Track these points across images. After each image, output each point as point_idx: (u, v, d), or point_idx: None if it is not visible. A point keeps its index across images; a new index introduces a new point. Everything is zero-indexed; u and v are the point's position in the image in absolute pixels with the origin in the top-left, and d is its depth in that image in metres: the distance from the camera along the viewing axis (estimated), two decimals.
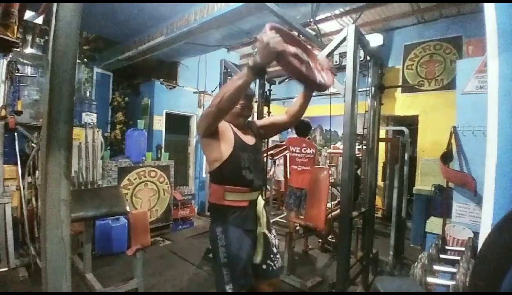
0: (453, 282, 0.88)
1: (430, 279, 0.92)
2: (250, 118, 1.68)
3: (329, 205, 2.72)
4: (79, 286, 2.43)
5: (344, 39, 2.10)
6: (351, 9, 4.41)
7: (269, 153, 3.93)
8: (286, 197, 3.68)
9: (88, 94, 4.23)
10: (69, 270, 0.72)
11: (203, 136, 1.45)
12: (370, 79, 2.58)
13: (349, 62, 2.04)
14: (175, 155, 4.76)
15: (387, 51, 5.30)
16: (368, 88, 2.60)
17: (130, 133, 3.97)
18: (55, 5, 0.68)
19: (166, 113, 4.94)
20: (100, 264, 2.94)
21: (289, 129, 5.22)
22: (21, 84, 3.04)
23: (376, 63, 2.61)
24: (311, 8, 2.71)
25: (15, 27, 1.64)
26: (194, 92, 5.24)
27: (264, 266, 1.52)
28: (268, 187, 5.08)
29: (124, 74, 4.84)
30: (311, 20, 2.84)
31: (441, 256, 1.16)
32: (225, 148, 1.43)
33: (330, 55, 2.38)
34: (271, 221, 1.73)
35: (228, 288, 1.39)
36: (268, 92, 3.60)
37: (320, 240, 3.65)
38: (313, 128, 5.77)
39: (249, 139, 1.55)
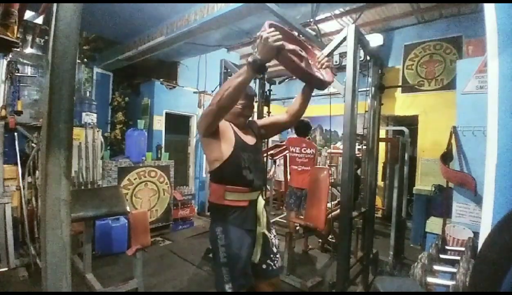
0: (453, 282, 0.88)
1: (430, 279, 0.92)
2: (250, 118, 1.68)
3: (329, 205, 2.72)
4: (79, 286, 2.43)
5: (344, 39, 2.10)
6: (351, 9, 4.41)
7: (269, 153, 3.93)
8: (286, 197, 3.69)
9: (88, 94, 4.22)
10: (69, 270, 0.72)
11: (203, 136, 1.45)
12: (370, 79, 2.58)
13: (349, 62, 2.04)
14: (175, 155, 4.76)
15: (387, 51, 5.30)
16: (368, 88, 2.60)
17: (130, 133, 3.97)
18: (55, 5, 0.68)
19: (166, 113, 4.94)
20: (100, 264, 2.94)
21: (289, 129, 5.23)
22: (21, 84, 3.04)
23: (376, 63, 2.61)
24: (311, 8, 2.71)
25: (15, 27, 1.64)
26: (194, 92, 5.24)
27: (264, 266, 1.52)
28: (268, 187, 5.08)
29: (124, 74, 4.84)
30: (311, 20, 2.84)
31: (441, 256, 1.16)
32: (226, 148, 1.43)
33: (330, 55, 2.38)
34: (271, 221, 1.73)
35: (228, 287, 1.39)
36: (268, 92, 3.60)
37: (320, 240, 3.65)
38: (313, 128, 5.77)
39: (250, 139, 1.55)
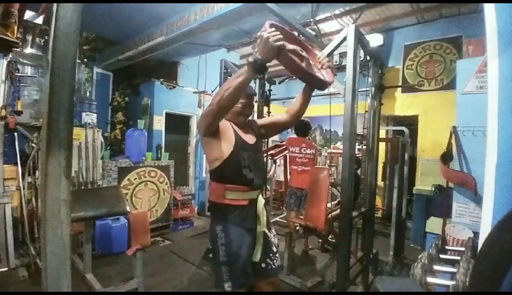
0: (453, 282, 0.88)
1: (430, 279, 0.92)
2: (250, 118, 1.68)
3: (329, 205, 2.72)
4: (79, 286, 2.42)
5: (344, 39, 2.10)
6: (351, 9, 4.41)
7: (269, 153, 3.93)
8: (286, 197, 3.69)
9: (88, 94, 4.23)
10: (69, 270, 0.72)
11: (203, 135, 1.45)
12: (370, 79, 2.58)
13: (349, 62, 2.04)
14: (175, 155, 4.76)
15: (387, 51, 5.30)
16: (368, 88, 2.60)
17: (130, 133, 3.97)
18: (55, 5, 0.68)
19: (166, 113, 4.94)
20: (100, 264, 2.94)
21: (289, 129, 5.22)
22: (21, 84, 3.04)
23: (376, 63, 2.61)
24: (311, 8, 2.71)
25: (15, 27, 1.64)
26: (194, 92, 5.24)
27: (263, 265, 1.53)
28: (268, 187, 5.08)
29: (124, 74, 4.84)
30: (311, 20, 2.84)
31: (441, 256, 1.16)
32: (226, 147, 1.43)
33: (330, 55, 2.38)
34: (271, 221, 1.73)
35: (227, 286, 1.39)
36: (268, 92, 3.60)
37: (320, 240, 3.65)
38: (313, 128, 5.76)
39: (250, 138, 1.55)
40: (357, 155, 2.81)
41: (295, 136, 3.63)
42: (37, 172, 2.98)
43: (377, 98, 2.61)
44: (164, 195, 4.15)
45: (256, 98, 3.25)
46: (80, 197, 2.42)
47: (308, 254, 3.56)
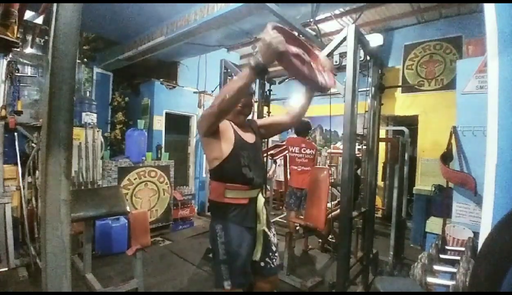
0: (453, 282, 0.88)
1: (430, 279, 0.92)
2: (249, 117, 1.69)
3: (329, 205, 2.72)
4: (79, 286, 2.43)
5: (344, 39, 2.10)
6: (351, 9, 4.41)
7: (269, 153, 3.93)
8: (286, 197, 3.69)
9: (88, 94, 4.23)
10: (69, 270, 0.72)
11: (204, 136, 1.46)
12: (370, 79, 2.58)
13: (349, 62, 2.04)
14: (175, 155, 4.76)
15: (387, 51, 5.30)
16: (368, 88, 2.59)
17: (130, 133, 3.97)
18: (55, 5, 0.68)
19: (166, 113, 4.94)
20: (100, 264, 2.94)
21: (289, 129, 5.22)
22: (21, 84, 3.04)
23: (376, 63, 2.61)
24: (311, 8, 2.71)
25: (15, 27, 1.64)
26: (194, 92, 5.24)
27: (262, 264, 1.54)
28: (268, 187, 5.08)
29: (124, 74, 4.84)
30: (311, 20, 2.84)
31: (441, 256, 1.16)
32: (225, 147, 1.44)
33: (330, 55, 2.38)
34: (271, 221, 1.74)
35: (227, 284, 1.40)
36: (268, 92, 3.60)
37: (320, 240, 3.65)
38: (313, 128, 5.76)
39: (249, 138, 1.56)
40: (357, 155, 2.81)
41: (295, 136, 3.63)
42: (37, 172, 2.98)
43: (377, 98, 2.61)
44: (164, 195, 4.15)
45: (256, 98, 3.26)
46: (80, 197, 2.42)
47: (308, 254, 3.56)
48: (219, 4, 2.75)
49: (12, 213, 2.77)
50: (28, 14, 2.30)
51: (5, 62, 2.97)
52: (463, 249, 1.16)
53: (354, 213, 2.30)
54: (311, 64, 1.41)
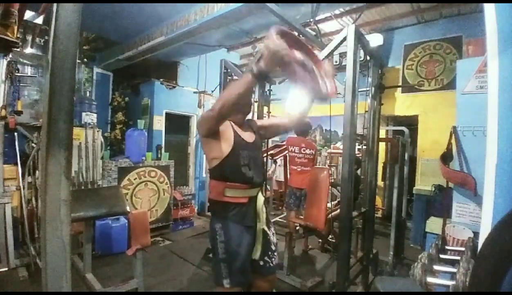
0: (453, 282, 0.88)
1: (430, 279, 0.92)
2: (249, 117, 1.70)
3: (329, 205, 2.72)
4: (79, 286, 2.43)
5: (344, 39, 2.10)
6: (351, 9, 4.41)
7: (269, 153, 3.93)
8: (286, 197, 3.68)
9: (88, 94, 4.23)
10: (69, 270, 0.72)
11: (203, 136, 1.47)
12: (370, 79, 2.58)
13: (349, 62, 2.04)
14: (175, 155, 4.76)
15: (387, 51, 5.30)
16: (368, 88, 2.60)
17: (130, 133, 3.97)
18: (55, 5, 0.68)
19: (166, 113, 4.94)
20: (100, 264, 2.93)
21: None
22: (21, 84, 3.04)
23: (376, 63, 2.61)
24: (311, 8, 2.71)
25: (15, 27, 1.64)
26: (194, 92, 5.24)
27: (261, 263, 1.54)
28: (268, 187, 5.08)
29: (124, 74, 4.84)
30: (311, 20, 2.84)
31: (441, 256, 1.16)
32: (225, 146, 1.45)
33: (330, 55, 2.38)
34: (271, 221, 1.74)
35: (226, 282, 1.41)
36: (268, 92, 3.59)
37: (320, 240, 3.65)
38: (313, 128, 5.75)
39: (249, 137, 1.56)
40: (357, 155, 2.81)
41: (295, 136, 3.63)
42: (37, 172, 2.98)
43: (377, 98, 2.61)
44: (164, 195, 4.15)
45: (256, 98, 3.25)
46: (80, 197, 2.42)
47: (308, 254, 3.56)
48: (219, 4, 2.75)
49: (12, 213, 2.77)
50: (28, 14, 2.30)
51: (5, 62, 2.97)
52: (463, 249, 1.16)
53: (354, 213, 2.30)
54: (314, 70, 1.39)
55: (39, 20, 2.46)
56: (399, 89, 4.97)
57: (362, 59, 2.51)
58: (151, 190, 4.01)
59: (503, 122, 0.84)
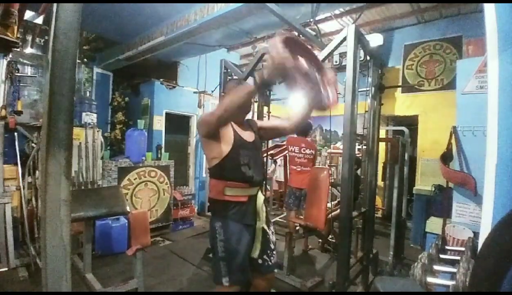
0: (453, 282, 0.88)
1: (430, 279, 0.92)
2: (249, 116, 1.70)
3: (329, 205, 2.72)
4: (79, 286, 2.43)
5: (344, 39, 2.10)
6: (351, 9, 4.40)
7: (269, 153, 3.93)
8: (286, 197, 3.68)
9: (88, 94, 4.23)
10: (69, 270, 0.72)
11: (203, 137, 1.48)
12: (370, 79, 2.58)
13: (349, 62, 2.04)
14: (175, 155, 4.76)
15: (387, 51, 5.30)
16: (368, 88, 2.60)
17: (130, 133, 3.97)
18: (55, 5, 0.68)
19: (166, 113, 4.94)
20: (100, 264, 2.93)
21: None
22: (21, 84, 3.04)
23: (376, 63, 2.61)
24: (311, 8, 2.71)
25: (15, 27, 1.65)
26: (194, 92, 5.24)
27: (260, 261, 1.55)
28: (268, 187, 5.08)
29: (124, 74, 4.84)
30: (311, 20, 2.84)
31: (441, 256, 1.16)
32: (225, 146, 1.46)
33: (330, 55, 2.38)
34: (271, 221, 1.75)
35: (225, 281, 1.42)
36: (268, 92, 3.60)
37: (320, 240, 3.65)
38: (313, 128, 5.74)
39: (248, 136, 1.57)
40: (357, 155, 2.81)
41: (295, 136, 3.63)
42: (37, 172, 2.98)
43: (377, 98, 2.61)
44: (164, 195, 4.15)
45: (256, 98, 3.25)
46: (80, 197, 2.42)
47: (308, 254, 3.56)
48: (219, 4, 2.75)
49: (12, 213, 2.77)
50: (28, 14, 2.30)
51: (5, 62, 2.97)
52: (463, 249, 1.16)
53: (354, 213, 2.31)
54: (318, 81, 1.37)
55: (39, 20, 2.46)
56: (399, 89, 4.96)
57: (362, 59, 2.51)
58: (151, 190, 4.01)
59: (503, 122, 0.84)
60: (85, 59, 4.24)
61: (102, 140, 3.76)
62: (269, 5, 2.44)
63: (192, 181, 5.43)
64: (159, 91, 4.80)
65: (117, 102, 4.77)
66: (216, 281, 1.47)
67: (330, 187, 2.78)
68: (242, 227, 1.47)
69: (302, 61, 1.30)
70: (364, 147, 2.61)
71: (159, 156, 4.47)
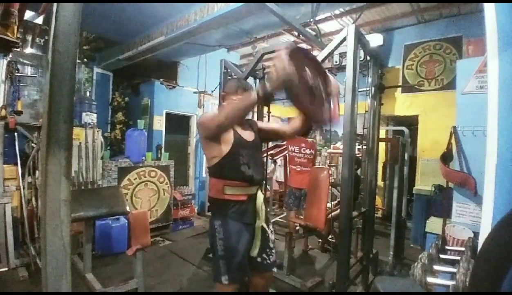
0: (453, 282, 0.88)
1: (430, 279, 0.92)
2: (249, 116, 1.71)
3: (329, 205, 2.72)
4: (79, 286, 2.42)
5: (344, 39, 2.10)
6: (351, 9, 4.41)
7: (269, 153, 3.93)
8: (286, 197, 3.68)
9: (88, 94, 4.22)
10: (69, 270, 0.72)
11: (203, 138, 1.49)
12: (370, 79, 2.58)
13: (349, 62, 2.05)
14: (175, 155, 4.76)
15: (387, 51, 5.30)
16: (368, 88, 2.60)
17: (130, 133, 3.97)
18: (55, 5, 0.68)
19: (166, 113, 4.94)
20: (100, 264, 2.93)
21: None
22: (21, 84, 3.04)
23: (376, 63, 2.61)
24: (311, 8, 2.71)
25: (15, 27, 1.65)
26: (194, 92, 5.24)
27: (259, 259, 1.56)
28: (268, 187, 5.08)
29: (124, 74, 4.84)
30: (311, 20, 2.84)
31: (441, 256, 1.16)
32: (225, 146, 1.47)
33: (330, 55, 2.38)
34: (271, 221, 1.75)
35: (224, 279, 1.43)
36: None
37: (320, 240, 3.65)
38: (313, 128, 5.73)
39: (248, 135, 1.58)
40: (357, 155, 2.81)
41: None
42: (37, 172, 2.98)
43: (377, 98, 2.61)
44: (164, 195, 4.15)
45: None
46: (80, 197, 2.42)
47: (308, 254, 3.55)
48: (219, 4, 2.75)
49: (12, 213, 2.77)
50: (28, 14, 2.31)
51: (5, 62, 2.97)
52: (463, 249, 1.16)
53: (354, 213, 2.31)
54: (322, 91, 1.33)
55: (39, 20, 2.46)
56: (399, 89, 4.96)
57: (362, 59, 2.50)
58: (151, 190, 4.00)
59: (503, 122, 0.84)
60: (85, 59, 4.23)
61: (102, 140, 3.75)
62: (269, 5, 2.44)
63: (192, 181, 5.43)
64: (159, 91, 4.80)
65: (117, 102, 4.77)
66: (215, 279, 1.48)
67: (330, 187, 2.78)
68: (242, 226, 1.48)
69: (308, 71, 1.27)
70: (364, 147, 2.61)
71: (159, 156, 4.47)
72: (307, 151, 3.46)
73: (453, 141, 2.42)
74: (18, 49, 3.01)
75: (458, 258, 1.07)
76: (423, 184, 4.27)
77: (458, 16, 4.60)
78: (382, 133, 3.84)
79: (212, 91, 5.12)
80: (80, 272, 2.59)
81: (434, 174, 3.96)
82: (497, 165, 0.84)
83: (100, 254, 3.18)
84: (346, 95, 2.04)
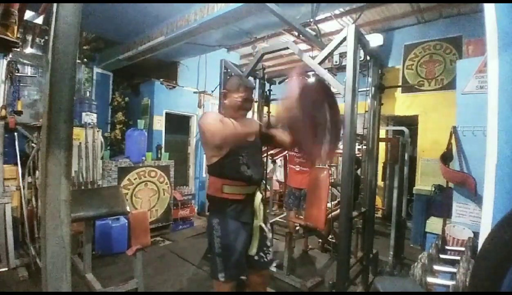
0: (453, 282, 0.88)
1: (430, 279, 0.92)
2: (249, 116, 1.72)
3: (329, 205, 2.72)
4: (79, 286, 2.42)
5: (344, 39, 2.10)
6: (351, 9, 4.40)
7: (269, 153, 3.92)
8: (285, 196, 3.68)
9: (88, 94, 4.22)
10: (69, 270, 0.72)
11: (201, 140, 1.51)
12: (370, 79, 2.58)
13: (349, 62, 2.04)
14: (175, 155, 4.76)
15: (387, 51, 5.29)
16: (368, 88, 2.59)
17: (130, 133, 3.97)
18: (55, 5, 0.68)
19: (166, 113, 4.93)
20: (100, 264, 2.94)
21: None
22: (21, 84, 3.04)
23: (376, 63, 2.61)
24: (311, 8, 2.71)
25: (15, 27, 1.64)
26: (194, 92, 5.24)
27: (256, 258, 1.57)
28: (268, 187, 5.07)
29: (124, 74, 4.84)
30: (311, 20, 2.83)
31: (441, 256, 1.16)
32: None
33: (330, 55, 2.38)
34: (271, 220, 1.75)
35: (221, 276, 1.44)
36: (268, 92, 3.59)
37: (320, 240, 3.65)
38: None
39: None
40: (357, 155, 2.80)
41: None
42: (37, 172, 2.98)
43: (377, 98, 2.61)
44: (164, 195, 4.15)
45: (256, 98, 3.25)
46: (80, 197, 2.42)
47: (308, 254, 3.55)
48: (219, 4, 2.75)
49: (12, 213, 2.77)
50: (28, 14, 2.30)
51: (5, 62, 2.97)
52: (463, 249, 1.16)
53: (354, 213, 2.30)
54: (326, 126, 1.34)
55: (39, 20, 2.45)
56: (399, 89, 4.96)
57: (362, 59, 2.50)
58: (151, 190, 4.00)
59: (503, 122, 0.84)
60: (85, 59, 4.23)
61: (102, 140, 3.75)
62: (269, 5, 2.43)
63: (192, 181, 5.43)
64: (159, 91, 4.80)
65: (117, 102, 4.77)
66: (212, 276, 1.51)
67: (330, 187, 2.77)
68: (239, 225, 1.49)
69: (317, 103, 1.30)
70: (364, 147, 2.61)
71: (159, 156, 4.47)
72: None
73: (453, 141, 2.42)
74: (18, 49, 3.01)
75: (458, 258, 1.07)
76: (423, 184, 4.26)
77: (458, 16, 4.60)
78: (382, 133, 3.84)
79: (212, 91, 5.11)
80: (80, 272, 2.59)
81: (434, 174, 3.96)
82: (497, 165, 0.84)
83: (100, 254, 3.18)
84: (346, 95, 2.03)
